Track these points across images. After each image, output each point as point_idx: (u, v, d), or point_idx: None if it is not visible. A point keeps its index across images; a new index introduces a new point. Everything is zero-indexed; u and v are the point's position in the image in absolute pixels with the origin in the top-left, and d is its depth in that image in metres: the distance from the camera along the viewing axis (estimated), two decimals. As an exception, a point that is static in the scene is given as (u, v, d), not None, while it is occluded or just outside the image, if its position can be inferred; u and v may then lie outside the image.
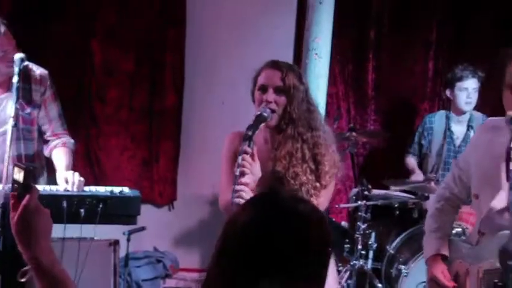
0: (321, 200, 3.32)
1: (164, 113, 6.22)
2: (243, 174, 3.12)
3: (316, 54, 4.47)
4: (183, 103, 6.27)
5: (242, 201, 3.09)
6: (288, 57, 5.93)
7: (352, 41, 6.57)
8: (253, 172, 3.15)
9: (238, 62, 5.91)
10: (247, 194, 3.11)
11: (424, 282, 3.53)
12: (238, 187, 3.09)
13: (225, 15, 6.23)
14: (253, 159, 3.15)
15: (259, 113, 3.25)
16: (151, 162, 6.25)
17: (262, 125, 3.25)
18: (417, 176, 5.84)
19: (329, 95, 6.50)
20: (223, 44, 6.23)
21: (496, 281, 2.69)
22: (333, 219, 6.34)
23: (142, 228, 5.32)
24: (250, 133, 3.16)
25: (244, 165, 3.12)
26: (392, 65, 6.67)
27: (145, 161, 6.25)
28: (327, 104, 6.50)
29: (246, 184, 3.11)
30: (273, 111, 3.29)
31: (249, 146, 3.15)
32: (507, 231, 2.78)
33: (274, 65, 3.36)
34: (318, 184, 3.28)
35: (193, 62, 6.26)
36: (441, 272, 3.28)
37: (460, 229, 4.91)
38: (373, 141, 6.55)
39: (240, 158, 3.13)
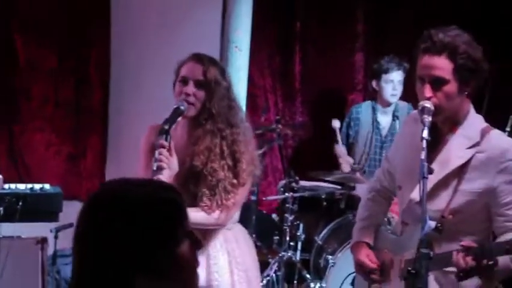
0: (238, 198, 3.32)
1: (91, 108, 6.14)
2: (160, 168, 3.10)
3: (236, 47, 4.48)
4: (110, 98, 6.20)
5: None
6: (214, 50, 5.91)
7: (279, 33, 6.59)
8: (170, 166, 3.13)
9: (165, 55, 5.83)
10: None
11: (352, 273, 3.56)
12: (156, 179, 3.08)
13: (151, 7, 6.17)
14: (170, 153, 3.14)
15: (176, 106, 3.23)
16: (77, 158, 6.18)
17: (179, 119, 3.23)
18: (348, 160, 5.89)
19: (257, 88, 6.54)
20: (150, 38, 6.17)
21: (409, 268, 2.73)
22: (264, 212, 6.37)
23: (70, 225, 5.25)
24: (166, 127, 3.14)
25: (161, 160, 3.10)
26: (319, 57, 6.72)
27: (72, 157, 6.17)
28: (256, 96, 6.54)
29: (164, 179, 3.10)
30: (191, 104, 3.26)
31: (165, 139, 3.14)
32: (429, 222, 2.82)
33: (197, 58, 3.34)
34: (235, 181, 3.28)
35: (119, 57, 6.19)
36: (367, 256, 3.31)
37: (385, 218, 4.96)
38: (300, 133, 6.60)
39: (156, 152, 3.11)
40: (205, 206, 3.24)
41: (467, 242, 2.88)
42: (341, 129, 6.02)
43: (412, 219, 3.10)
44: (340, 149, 6.02)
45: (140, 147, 3.43)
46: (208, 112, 3.29)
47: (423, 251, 2.66)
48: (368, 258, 3.30)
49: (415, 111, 3.26)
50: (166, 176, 3.10)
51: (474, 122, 3.07)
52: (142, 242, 1.80)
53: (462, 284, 2.95)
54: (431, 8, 6.53)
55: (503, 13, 6.46)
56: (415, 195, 3.02)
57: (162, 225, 1.84)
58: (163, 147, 3.11)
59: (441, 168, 2.96)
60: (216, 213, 3.26)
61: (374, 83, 5.81)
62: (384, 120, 5.85)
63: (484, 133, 3.01)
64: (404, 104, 5.78)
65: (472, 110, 3.09)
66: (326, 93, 6.84)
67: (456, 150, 3.01)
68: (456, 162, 2.99)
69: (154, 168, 3.10)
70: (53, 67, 6.05)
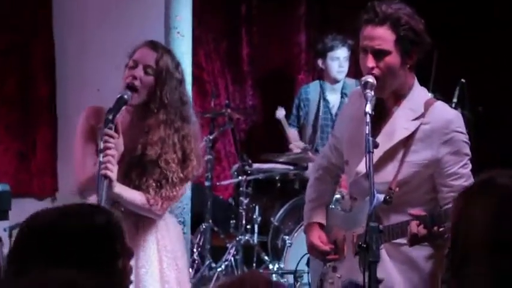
0: (181, 193, 3.32)
1: (38, 102, 6.05)
2: (107, 149, 3.06)
3: (178, 32, 4.46)
4: (57, 91, 6.12)
5: (110, 173, 3.04)
6: (158, 36, 5.86)
7: (224, 18, 6.57)
8: (117, 148, 3.10)
9: (109, 44, 5.80)
10: (114, 166, 3.06)
11: (307, 253, 3.55)
12: (105, 159, 3.04)
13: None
14: (117, 134, 3.10)
15: (119, 95, 3.17)
16: (27, 155, 6.09)
17: (123, 108, 3.18)
18: (297, 144, 5.90)
19: (206, 73, 6.53)
20: (93, 26, 6.08)
21: (360, 243, 2.74)
22: (220, 197, 6.37)
23: (24, 223, 5.18)
24: (110, 117, 3.10)
25: (108, 147, 3.06)
26: (266, 39, 6.73)
27: (21, 154, 6.07)
28: (204, 82, 6.53)
29: (112, 156, 3.05)
30: (135, 88, 3.20)
31: (110, 129, 3.10)
32: (377, 195, 2.83)
33: (152, 45, 3.29)
34: (182, 176, 3.25)
35: (63, 48, 6.11)
36: (318, 237, 3.30)
37: (338, 195, 4.98)
38: (252, 116, 6.61)
39: (101, 142, 3.07)
40: (152, 199, 3.22)
41: (416, 210, 2.91)
42: (289, 115, 6.03)
43: (359, 193, 3.11)
44: (292, 132, 6.03)
45: (78, 128, 3.36)
46: (160, 101, 3.22)
47: (372, 225, 2.68)
48: (320, 240, 3.29)
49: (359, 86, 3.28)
50: (114, 154, 3.06)
51: (418, 94, 3.09)
52: (79, 272, 1.82)
53: (412, 254, 2.98)
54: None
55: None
56: (361, 168, 3.03)
57: (98, 252, 1.90)
58: (109, 135, 3.07)
59: (386, 140, 2.98)
60: (159, 205, 3.24)
61: (320, 62, 5.82)
62: (333, 98, 5.87)
63: (428, 105, 3.04)
64: (351, 81, 5.79)
65: (417, 83, 3.11)
66: (275, 74, 6.85)
67: (401, 122, 3.03)
68: (401, 134, 3.02)
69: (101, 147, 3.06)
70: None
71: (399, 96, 3.08)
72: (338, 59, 5.70)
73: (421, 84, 3.16)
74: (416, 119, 3.02)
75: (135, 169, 3.24)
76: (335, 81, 5.80)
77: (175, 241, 3.40)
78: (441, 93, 5.60)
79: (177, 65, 3.32)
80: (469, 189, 2.05)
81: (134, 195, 3.20)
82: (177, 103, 3.26)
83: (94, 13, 6.10)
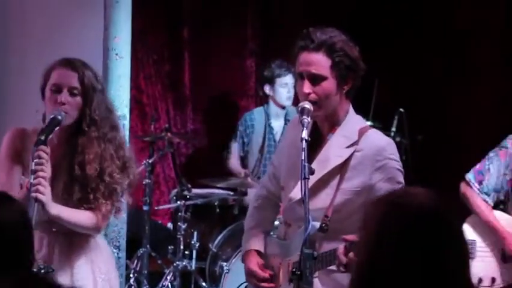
0: (127, 198, 3.28)
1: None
2: (39, 171, 2.99)
3: (116, 54, 4.41)
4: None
5: (40, 196, 2.96)
6: (97, 58, 5.81)
7: (167, 41, 6.55)
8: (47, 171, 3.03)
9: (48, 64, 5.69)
10: (46, 188, 2.98)
11: (245, 282, 3.51)
12: (35, 181, 2.96)
13: (32, 14, 5.99)
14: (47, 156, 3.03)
15: (52, 116, 3.10)
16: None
17: (56, 129, 3.11)
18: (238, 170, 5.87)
19: (146, 96, 6.48)
20: (34, 48, 5.99)
21: (293, 269, 2.72)
22: (159, 222, 6.31)
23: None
24: (43, 137, 3.02)
25: (42, 169, 2.99)
26: (209, 63, 6.72)
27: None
28: (144, 105, 6.48)
29: (43, 177, 2.98)
30: (65, 112, 3.12)
31: (43, 151, 3.02)
32: (313, 222, 2.82)
33: (70, 64, 3.19)
34: (127, 183, 3.22)
35: (3, 70, 5.99)
36: (256, 264, 3.28)
37: (278, 222, 4.96)
38: (193, 140, 6.58)
39: (32, 163, 3.00)
40: (99, 213, 3.16)
41: (350, 236, 2.89)
42: (235, 136, 5.99)
43: (293, 218, 3.11)
44: (234, 164, 5.99)
45: (2, 149, 3.25)
46: (90, 119, 3.17)
47: (307, 251, 2.66)
48: (258, 266, 3.26)
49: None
50: (45, 180, 2.99)
51: (353, 122, 3.10)
52: None
53: (344, 282, 2.95)
54: (318, 14, 6.61)
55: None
56: (294, 194, 3.03)
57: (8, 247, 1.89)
58: (42, 157, 3.00)
59: (320, 167, 2.98)
60: (104, 219, 3.20)
61: (267, 88, 5.80)
62: (277, 124, 5.88)
63: (361, 132, 3.05)
64: (293, 108, 5.80)
65: (351, 111, 3.12)
66: (218, 99, 6.84)
67: (335, 149, 3.04)
68: (335, 161, 3.02)
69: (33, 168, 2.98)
70: None
71: (334, 123, 3.09)
72: (287, 85, 5.73)
73: (361, 113, 3.18)
74: (350, 146, 3.02)
75: (76, 188, 3.16)
76: (283, 107, 5.83)
77: (108, 262, 3.34)
78: (381, 121, 5.69)
79: (96, 75, 3.25)
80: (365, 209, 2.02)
81: (75, 214, 3.13)
82: (106, 114, 3.22)
83: (34, 33, 6.00)
